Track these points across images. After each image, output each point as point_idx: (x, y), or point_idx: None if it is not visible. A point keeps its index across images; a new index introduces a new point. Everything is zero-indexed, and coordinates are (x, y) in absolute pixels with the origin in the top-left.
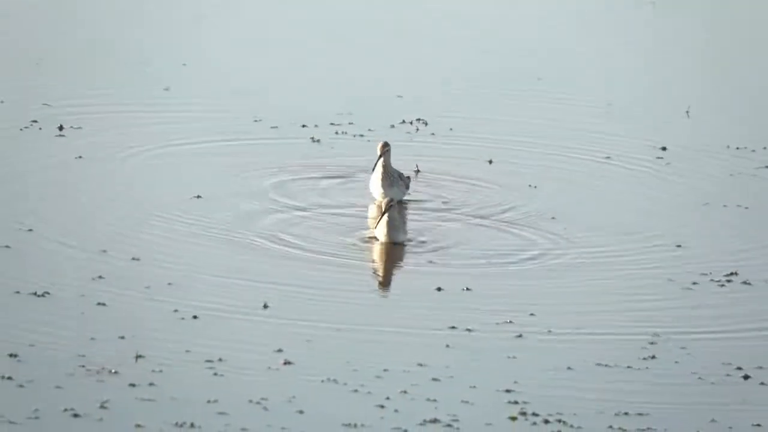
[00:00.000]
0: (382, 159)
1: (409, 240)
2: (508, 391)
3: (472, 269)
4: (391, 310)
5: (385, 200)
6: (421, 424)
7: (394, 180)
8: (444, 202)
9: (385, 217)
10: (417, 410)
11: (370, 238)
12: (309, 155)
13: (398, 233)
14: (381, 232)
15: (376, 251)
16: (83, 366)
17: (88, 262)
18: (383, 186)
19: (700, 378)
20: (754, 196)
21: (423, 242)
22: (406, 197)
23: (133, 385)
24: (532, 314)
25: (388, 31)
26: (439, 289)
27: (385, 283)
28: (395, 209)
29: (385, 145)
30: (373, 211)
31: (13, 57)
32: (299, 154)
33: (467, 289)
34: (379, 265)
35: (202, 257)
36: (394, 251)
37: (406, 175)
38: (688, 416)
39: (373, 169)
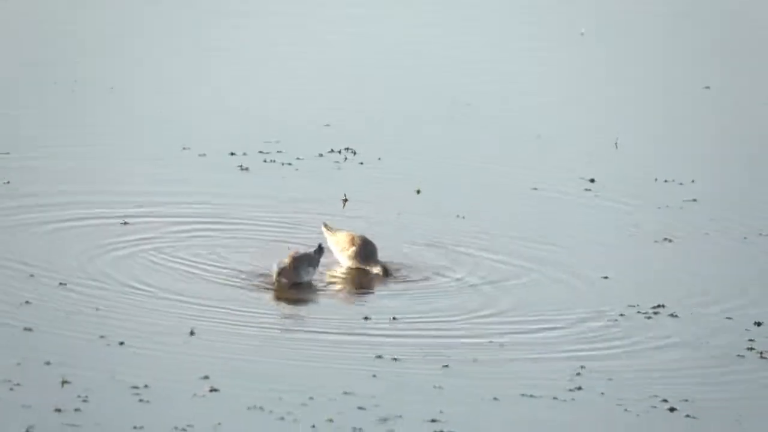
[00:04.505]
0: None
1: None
2: (433, 420)
3: (399, 299)
4: (318, 338)
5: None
6: None
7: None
8: (372, 234)
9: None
10: None
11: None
12: (242, 186)
13: (307, 276)
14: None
15: (303, 281)
16: (11, 390)
17: (15, 287)
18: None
19: (626, 410)
20: (681, 229)
21: (351, 271)
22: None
23: (58, 410)
24: (458, 344)
25: (317, 59)
26: (366, 318)
27: (311, 311)
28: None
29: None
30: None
31: None
32: (230, 183)
33: (394, 318)
34: (305, 294)
35: (129, 283)
36: (323, 281)
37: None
38: None
39: (276, 282)
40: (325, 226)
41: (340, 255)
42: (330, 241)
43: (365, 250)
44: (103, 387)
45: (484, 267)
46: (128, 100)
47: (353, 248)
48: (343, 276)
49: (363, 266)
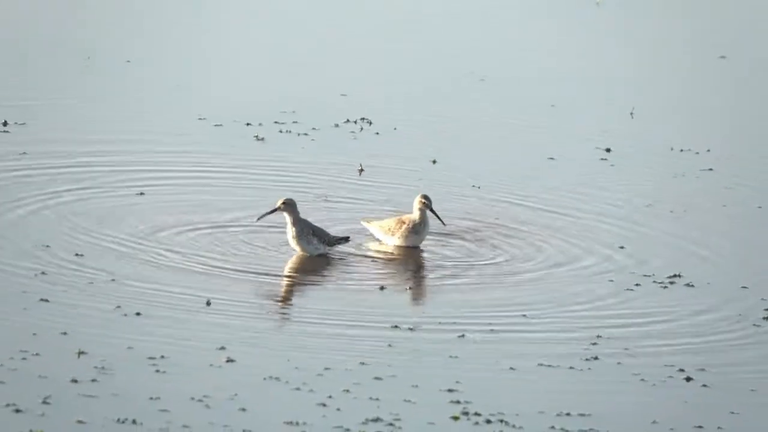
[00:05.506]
0: (288, 216)
1: (327, 253)
2: (450, 390)
3: (414, 269)
4: (334, 308)
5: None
6: (363, 423)
7: (304, 233)
8: (386, 200)
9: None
10: (359, 409)
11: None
12: (255, 157)
13: (309, 246)
14: (292, 242)
15: (317, 253)
16: (28, 360)
17: (31, 258)
18: (299, 242)
19: (642, 379)
20: (697, 198)
21: (366, 242)
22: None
23: (75, 381)
24: (474, 314)
25: (333, 30)
26: (381, 288)
27: (326, 282)
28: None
29: (287, 200)
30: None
31: None
32: (246, 153)
33: (410, 288)
34: (320, 265)
35: (145, 254)
36: (336, 253)
37: (342, 236)
38: (629, 417)
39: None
40: (365, 220)
41: (389, 237)
42: (375, 230)
43: (417, 228)
44: (120, 357)
45: (499, 237)
46: (145, 72)
47: (405, 226)
48: (377, 250)
49: (413, 245)
